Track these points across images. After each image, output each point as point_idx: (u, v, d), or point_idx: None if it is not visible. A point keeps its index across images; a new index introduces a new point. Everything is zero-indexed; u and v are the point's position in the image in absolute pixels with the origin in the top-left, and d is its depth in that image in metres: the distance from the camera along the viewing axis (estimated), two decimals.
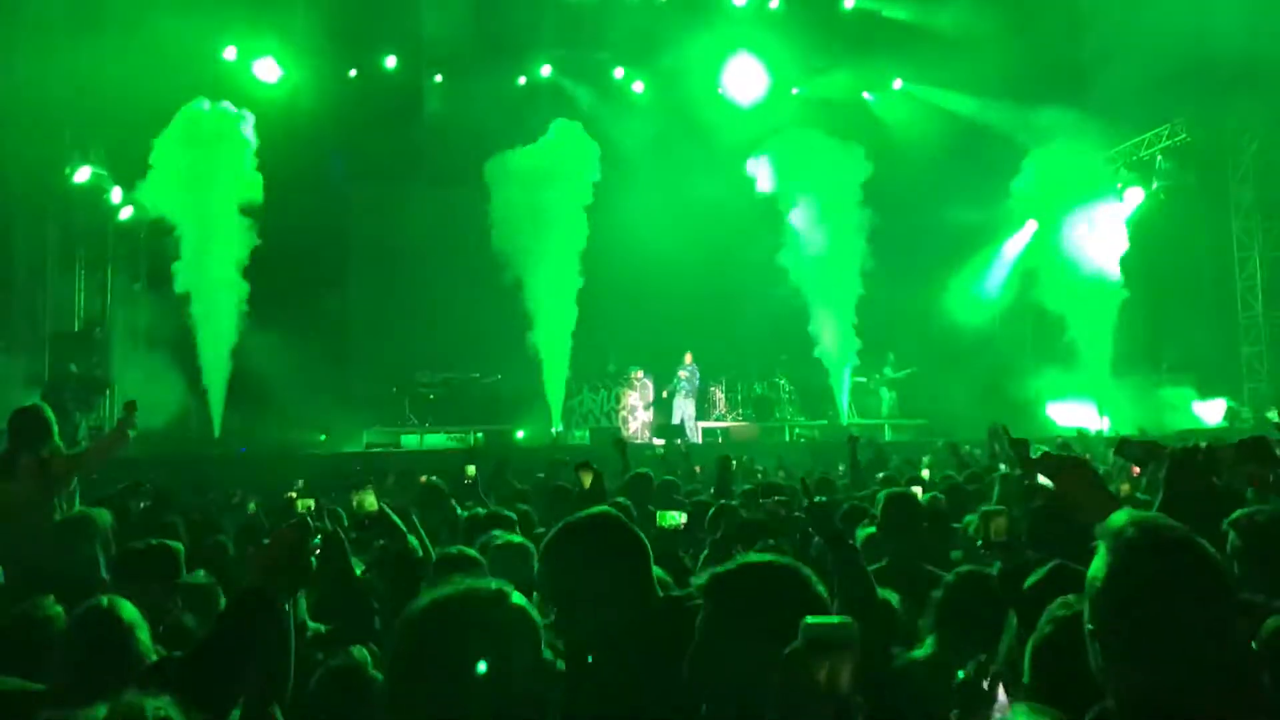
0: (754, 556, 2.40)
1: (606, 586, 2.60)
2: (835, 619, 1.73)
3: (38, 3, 14.49)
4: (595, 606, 2.57)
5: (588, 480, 6.71)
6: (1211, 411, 17.01)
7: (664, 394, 18.52)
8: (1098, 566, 1.85)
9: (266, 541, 2.47)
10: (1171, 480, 3.25)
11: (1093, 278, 18.31)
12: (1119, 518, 1.89)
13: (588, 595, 2.58)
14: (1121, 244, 18.21)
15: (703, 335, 18.78)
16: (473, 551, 4.27)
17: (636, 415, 18.09)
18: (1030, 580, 2.75)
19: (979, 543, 4.67)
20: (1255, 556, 3.23)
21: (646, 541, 2.74)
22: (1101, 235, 18.24)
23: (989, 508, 4.99)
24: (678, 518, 4.70)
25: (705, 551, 4.98)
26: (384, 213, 20.04)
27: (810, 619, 1.70)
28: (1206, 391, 17.16)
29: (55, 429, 5.81)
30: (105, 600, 2.94)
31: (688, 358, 18.54)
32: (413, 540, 4.68)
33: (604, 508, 2.85)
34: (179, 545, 4.40)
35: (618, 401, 18.24)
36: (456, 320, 18.42)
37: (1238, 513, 3.39)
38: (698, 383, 18.61)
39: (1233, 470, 4.66)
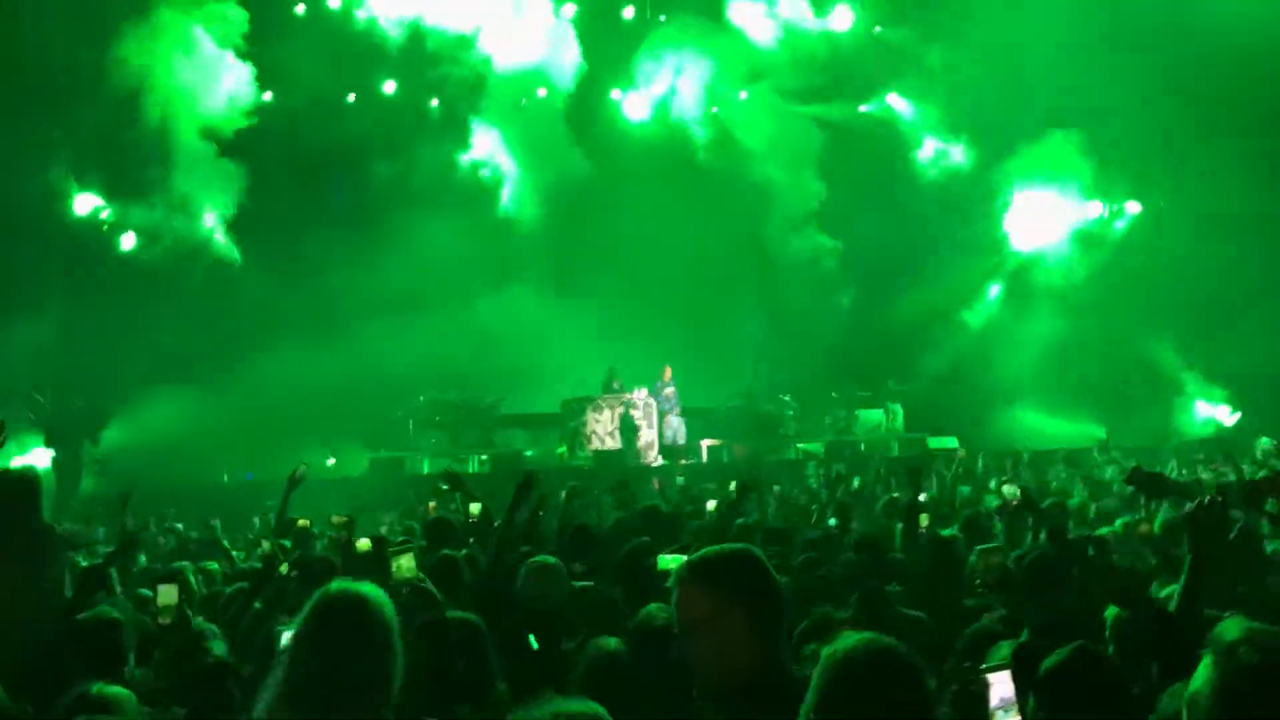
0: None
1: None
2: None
3: None
4: None
5: (475, 509, 6.45)
6: None
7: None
8: (1203, 682, 1.68)
9: None
10: (1196, 544, 3.06)
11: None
12: (1231, 629, 1.71)
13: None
14: None
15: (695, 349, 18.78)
16: None
17: (641, 435, 17.93)
18: (1049, 663, 2.65)
19: (977, 582, 4.62)
20: None
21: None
22: None
23: (986, 546, 4.94)
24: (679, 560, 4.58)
25: None
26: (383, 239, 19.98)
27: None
28: None
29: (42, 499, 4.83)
30: None
31: (667, 373, 18.23)
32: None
33: None
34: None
35: (622, 421, 18.09)
36: (458, 341, 18.39)
37: None
38: (675, 397, 18.36)
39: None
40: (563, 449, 17.66)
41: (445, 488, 7.87)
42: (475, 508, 6.48)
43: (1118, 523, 6.21)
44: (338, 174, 19.30)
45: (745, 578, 2.30)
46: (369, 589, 2.43)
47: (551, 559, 4.94)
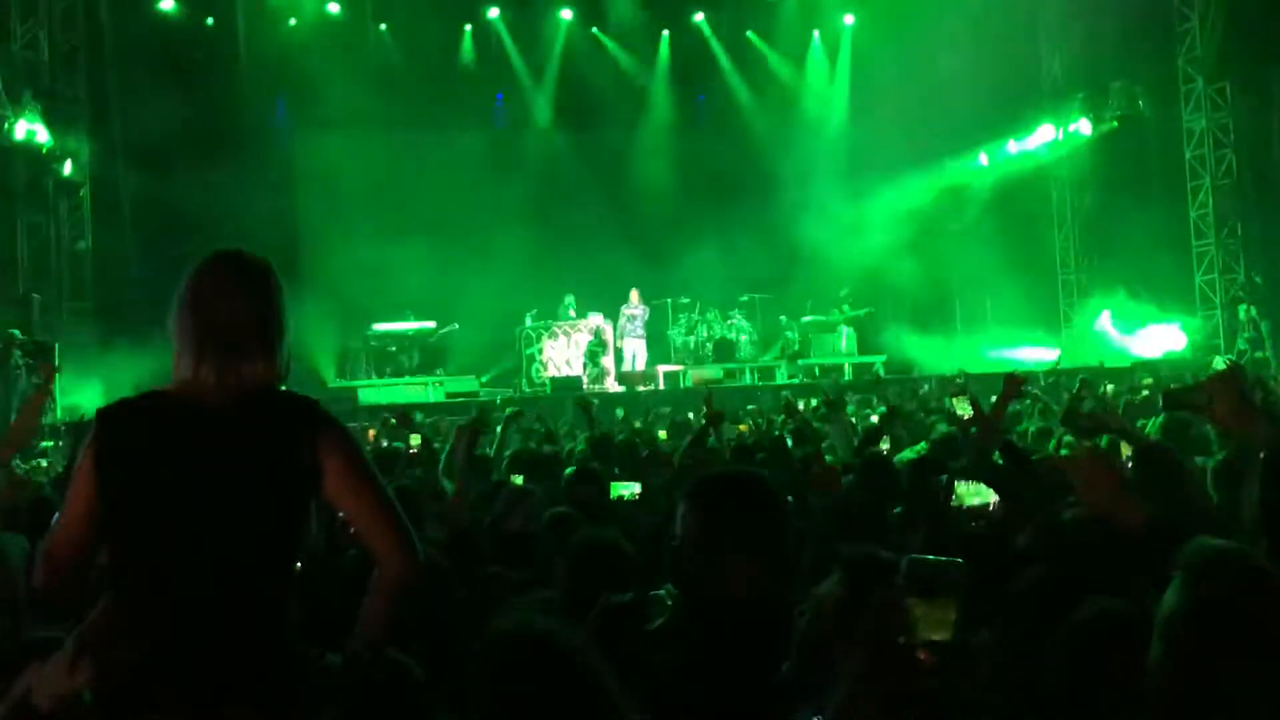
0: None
1: None
2: (945, 559, 1.50)
3: None
4: None
5: (415, 440, 6.41)
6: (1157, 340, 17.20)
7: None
8: (1175, 605, 1.68)
9: None
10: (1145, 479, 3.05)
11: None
12: (1200, 550, 1.71)
13: None
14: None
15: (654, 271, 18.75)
16: None
17: (596, 360, 17.90)
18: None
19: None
20: None
21: None
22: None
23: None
24: (632, 488, 4.61)
25: None
26: (331, 158, 19.75)
27: (914, 556, 1.50)
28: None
29: None
30: None
31: (634, 296, 18.17)
32: None
33: None
34: None
35: (578, 347, 18.06)
36: (410, 269, 18.25)
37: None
38: (646, 322, 18.37)
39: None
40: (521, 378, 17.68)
41: (394, 422, 7.83)
42: (415, 439, 6.46)
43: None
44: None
45: None
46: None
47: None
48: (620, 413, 12.58)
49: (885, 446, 5.95)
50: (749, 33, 21.22)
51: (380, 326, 18.09)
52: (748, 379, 18.02)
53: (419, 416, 9.79)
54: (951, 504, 3.15)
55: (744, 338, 19.13)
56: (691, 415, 10.69)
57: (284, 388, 2.36)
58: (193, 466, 2.15)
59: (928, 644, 1.42)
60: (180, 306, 2.26)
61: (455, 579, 3.45)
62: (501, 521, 4.37)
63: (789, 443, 6.51)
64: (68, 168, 16.24)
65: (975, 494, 2.58)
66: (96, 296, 17.03)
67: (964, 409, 4.78)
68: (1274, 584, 1.65)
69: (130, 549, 2.16)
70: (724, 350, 18.78)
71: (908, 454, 5.36)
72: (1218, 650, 1.61)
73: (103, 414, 2.26)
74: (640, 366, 17.86)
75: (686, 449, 5.61)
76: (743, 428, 9.52)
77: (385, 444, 7.78)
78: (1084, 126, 18.66)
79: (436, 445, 6.48)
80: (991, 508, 2.58)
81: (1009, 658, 2.45)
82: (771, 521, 2.19)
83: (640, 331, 18.10)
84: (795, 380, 17.03)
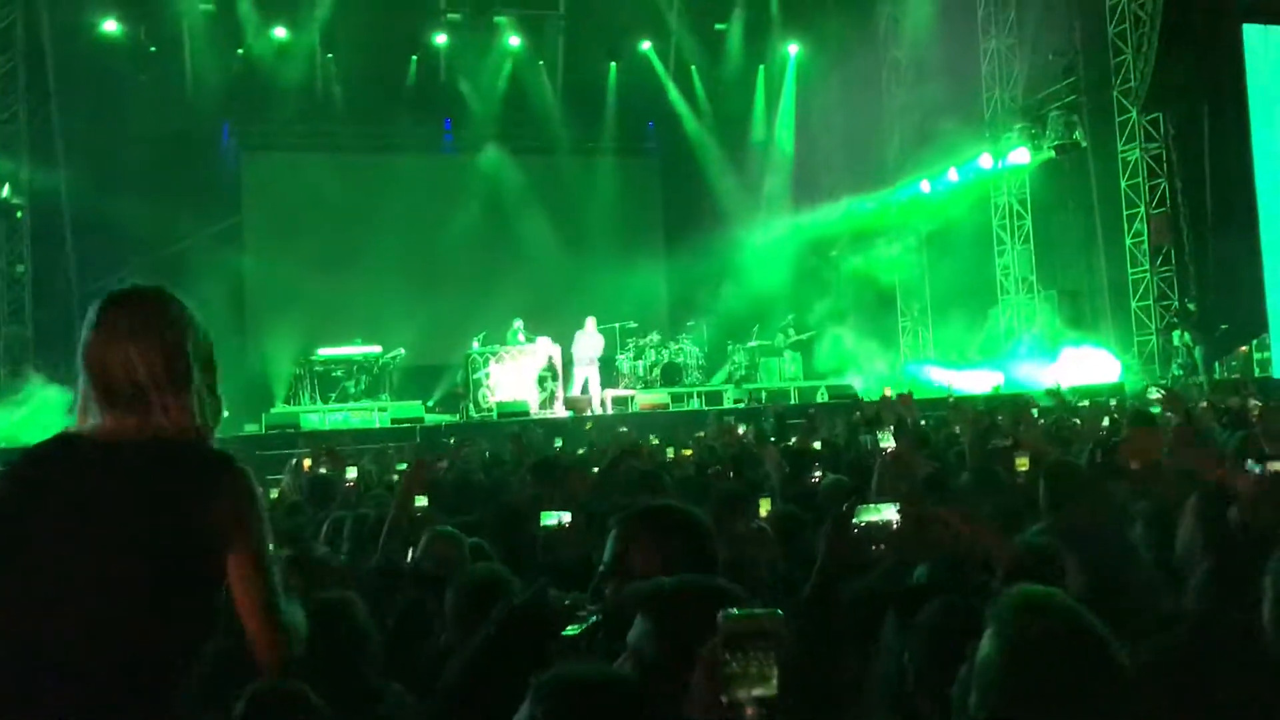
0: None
1: None
2: (760, 610, 1.50)
3: None
4: None
5: (351, 474, 6.41)
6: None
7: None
8: (990, 649, 1.74)
9: None
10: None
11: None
12: (1013, 596, 1.78)
13: None
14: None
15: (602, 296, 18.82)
16: None
17: (545, 385, 17.91)
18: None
19: None
20: None
21: None
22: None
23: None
24: (561, 517, 4.60)
25: None
26: (278, 183, 19.70)
27: (729, 611, 1.48)
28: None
29: None
30: None
31: (589, 323, 18.16)
32: None
33: None
34: None
35: (526, 372, 18.03)
36: (356, 293, 18.23)
37: None
38: (601, 349, 18.40)
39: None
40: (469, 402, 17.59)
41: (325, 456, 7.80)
42: (350, 471, 6.40)
43: None
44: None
45: None
46: None
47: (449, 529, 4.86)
48: (559, 442, 12.49)
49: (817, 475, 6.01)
50: (693, 66, 21.47)
51: (325, 351, 17.95)
52: (695, 403, 18.10)
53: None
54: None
55: (691, 362, 19.22)
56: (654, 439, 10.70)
57: (220, 426, 2.20)
58: (74, 518, 2.00)
59: (753, 700, 1.41)
60: (79, 358, 2.11)
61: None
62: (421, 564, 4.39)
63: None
64: (5, 190, 16.02)
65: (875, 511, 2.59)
66: (35, 321, 16.77)
67: (885, 440, 4.86)
68: (1088, 626, 1.70)
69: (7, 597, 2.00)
70: (671, 374, 18.86)
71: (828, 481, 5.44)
72: (1030, 697, 1.65)
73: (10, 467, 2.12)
74: (595, 392, 17.87)
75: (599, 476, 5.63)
76: (686, 452, 9.57)
77: (324, 471, 7.76)
78: (1023, 155, 19.06)
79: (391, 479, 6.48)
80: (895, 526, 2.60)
81: (909, 689, 2.51)
82: (691, 551, 2.25)
83: (594, 358, 18.14)
84: (741, 405, 17.14)
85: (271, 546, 2.19)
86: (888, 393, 11.39)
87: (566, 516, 4.63)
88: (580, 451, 10.71)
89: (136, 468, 2.04)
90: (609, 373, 18.75)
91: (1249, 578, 2.11)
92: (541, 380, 17.54)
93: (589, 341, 18.06)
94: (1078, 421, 9.32)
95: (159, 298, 2.16)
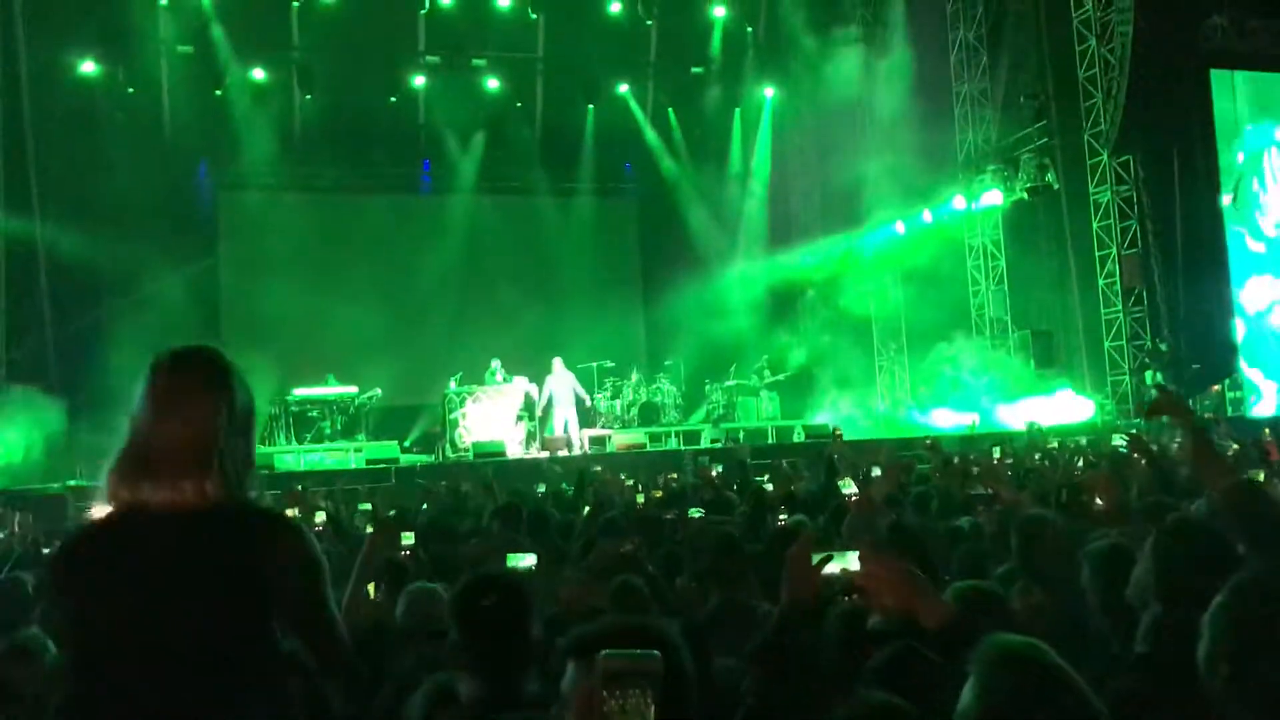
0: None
1: None
2: (638, 651, 1.51)
3: None
4: None
5: (320, 518, 6.37)
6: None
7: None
8: (970, 699, 1.73)
9: None
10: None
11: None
12: (993, 646, 1.77)
13: None
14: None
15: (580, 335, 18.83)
16: None
17: (521, 426, 17.82)
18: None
19: None
20: None
21: None
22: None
23: None
24: (528, 559, 4.57)
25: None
26: (255, 222, 19.68)
27: (608, 650, 1.50)
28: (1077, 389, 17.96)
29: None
30: None
31: (557, 363, 18.03)
32: None
33: None
34: None
35: (503, 412, 17.95)
36: (332, 333, 18.18)
37: None
38: (574, 384, 18.23)
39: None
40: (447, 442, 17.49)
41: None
42: (319, 516, 6.38)
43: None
44: None
45: None
46: None
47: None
48: (542, 488, 12.38)
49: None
50: (670, 108, 21.66)
51: (301, 391, 17.86)
52: (673, 443, 18.09)
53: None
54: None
55: (669, 401, 19.23)
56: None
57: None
58: (138, 585, 2.06)
59: None
60: (128, 419, 2.15)
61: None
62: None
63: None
64: None
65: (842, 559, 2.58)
66: (10, 360, 16.63)
67: (847, 487, 4.88)
68: (1066, 678, 1.70)
69: (85, 669, 2.09)
70: (649, 414, 18.86)
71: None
72: None
73: (51, 559, 2.22)
74: (574, 433, 17.78)
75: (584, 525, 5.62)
76: (657, 494, 9.55)
77: (293, 513, 7.71)
78: (995, 197, 19.28)
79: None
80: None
81: None
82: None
83: (571, 397, 18.05)
84: (719, 444, 17.13)
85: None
86: (838, 433, 11.53)
87: (532, 559, 4.61)
88: (541, 490, 10.66)
89: (197, 535, 2.10)
90: (585, 412, 18.71)
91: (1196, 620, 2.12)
92: (519, 420, 17.49)
93: (560, 381, 17.95)
94: (1046, 463, 9.37)
95: (209, 364, 2.20)
